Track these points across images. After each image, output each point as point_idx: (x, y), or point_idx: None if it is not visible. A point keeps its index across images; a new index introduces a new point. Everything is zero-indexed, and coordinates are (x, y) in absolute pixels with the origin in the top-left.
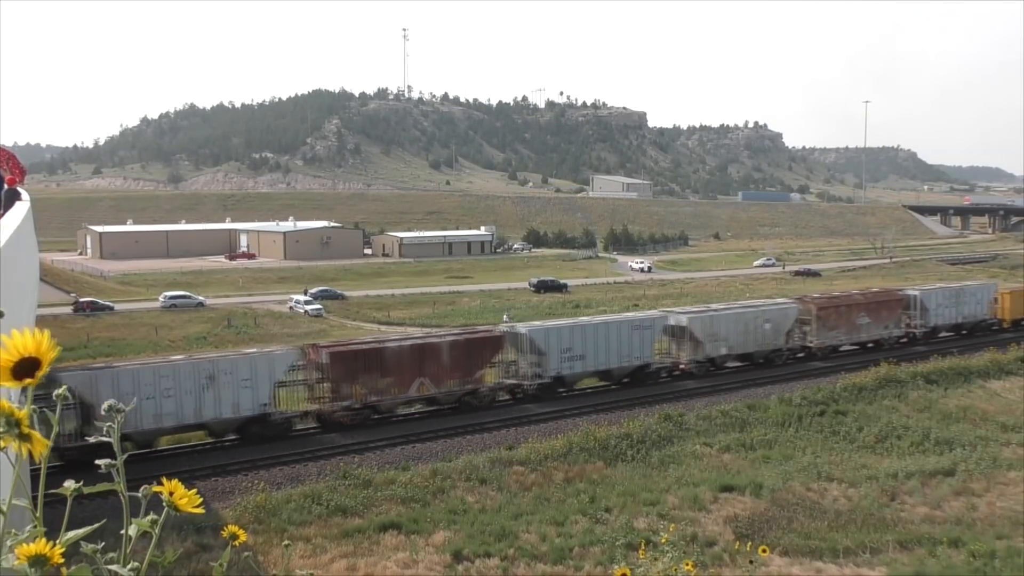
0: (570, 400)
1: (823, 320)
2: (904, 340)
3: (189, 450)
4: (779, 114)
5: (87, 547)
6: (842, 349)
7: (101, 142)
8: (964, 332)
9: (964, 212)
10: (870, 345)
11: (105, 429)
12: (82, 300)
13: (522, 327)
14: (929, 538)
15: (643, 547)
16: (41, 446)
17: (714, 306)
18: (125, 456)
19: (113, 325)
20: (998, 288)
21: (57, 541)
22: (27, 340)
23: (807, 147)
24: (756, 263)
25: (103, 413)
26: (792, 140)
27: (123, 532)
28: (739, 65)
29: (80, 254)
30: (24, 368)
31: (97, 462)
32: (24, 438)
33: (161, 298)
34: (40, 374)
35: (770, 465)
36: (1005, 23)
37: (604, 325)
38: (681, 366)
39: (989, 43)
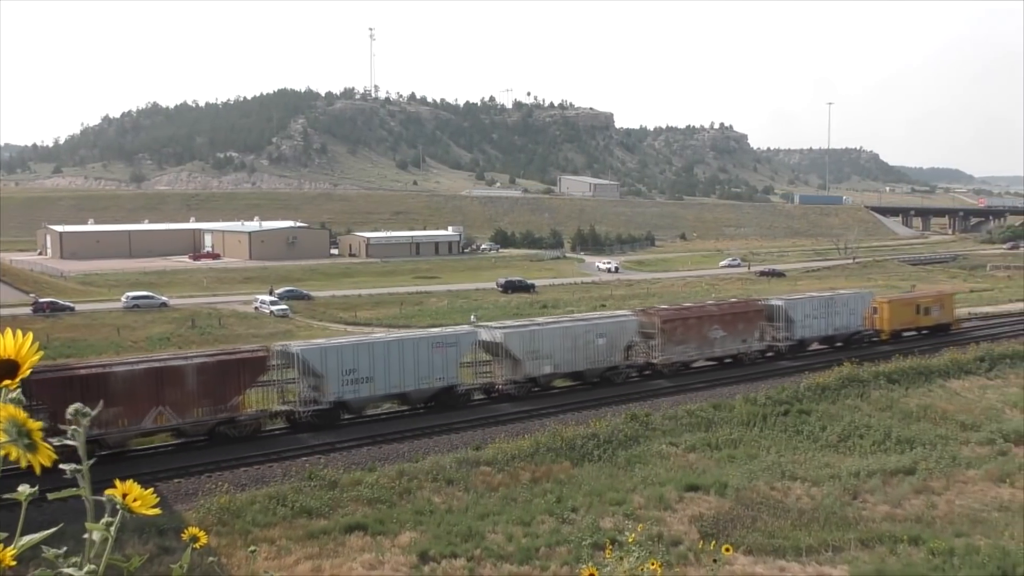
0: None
1: (669, 334)
2: (770, 354)
3: (153, 452)
4: (745, 115)
5: (49, 552)
6: (695, 366)
7: (61, 141)
8: (839, 344)
9: (924, 213)
10: (728, 360)
11: (70, 432)
12: (41, 300)
13: (296, 346)
14: (890, 536)
15: (609, 547)
16: (47, 459)
17: (539, 320)
18: (92, 461)
19: (74, 326)
20: (876, 297)
21: (12, 545)
22: (7, 342)
23: (772, 148)
24: (722, 263)
25: (69, 417)
26: (757, 141)
27: (85, 536)
28: (705, 66)
29: (40, 254)
30: (3, 370)
31: (62, 466)
32: (32, 448)
33: (123, 298)
34: (20, 377)
35: (735, 464)
36: (965, 26)
37: (398, 343)
38: (498, 387)
39: (949, 46)
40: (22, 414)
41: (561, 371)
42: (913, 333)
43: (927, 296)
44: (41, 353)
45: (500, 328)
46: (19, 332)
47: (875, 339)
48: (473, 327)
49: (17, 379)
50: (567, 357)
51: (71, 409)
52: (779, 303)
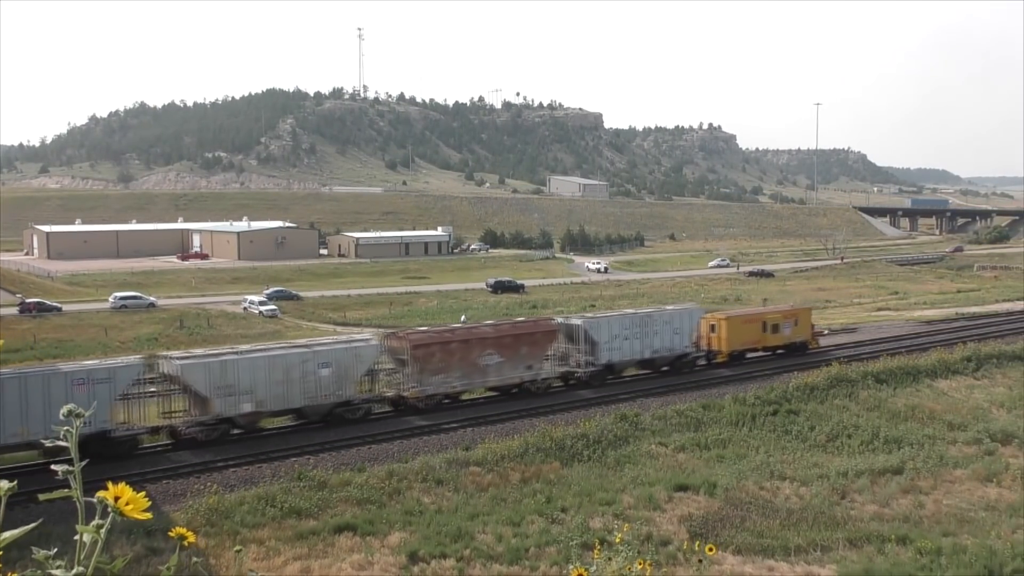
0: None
1: (424, 361)
2: (571, 382)
3: (140, 452)
4: (733, 116)
5: (39, 554)
6: (464, 398)
7: (48, 140)
8: (665, 368)
9: (912, 214)
10: (515, 391)
11: (63, 434)
12: (28, 301)
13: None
14: (878, 536)
15: (598, 547)
16: None
17: (242, 348)
18: (84, 463)
19: (61, 326)
20: (712, 313)
21: None
22: None
23: (760, 149)
24: (711, 264)
25: (62, 418)
26: (746, 142)
27: (75, 537)
28: (694, 67)
29: (26, 254)
30: None
31: (54, 467)
32: None
33: (111, 299)
34: None
35: (724, 464)
36: (951, 27)
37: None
38: (181, 431)
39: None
40: None
41: (268, 409)
42: (760, 354)
43: (776, 311)
44: (1, 342)
45: (186, 359)
46: None
47: (711, 361)
48: (141, 360)
49: None
50: (276, 392)
51: (64, 409)
52: (577, 322)
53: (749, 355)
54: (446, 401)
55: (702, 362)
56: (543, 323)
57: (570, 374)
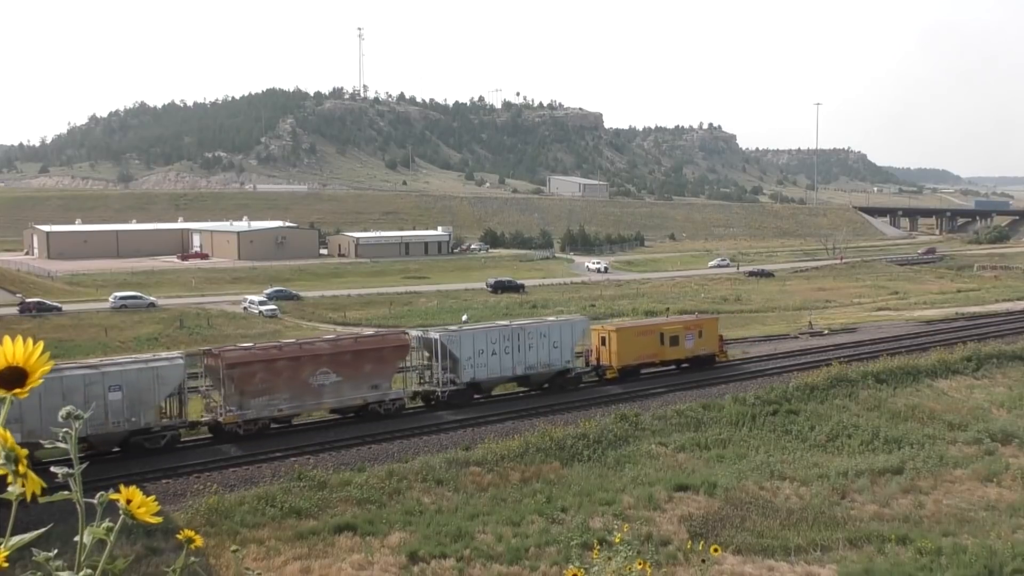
0: None
1: (243, 381)
2: (426, 404)
3: (144, 453)
4: (733, 116)
5: (40, 556)
6: (298, 422)
7: (48, 140)
8: (546, 386)
9: (912, 213)
10: (355, 414)
11: (61, 435)
12: (29, 301)
13: None
14: (878, 536)
15: (598, 547)
16: (35, 486)
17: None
18: (84, 466)
19: (61, 326)
20: (603, 324)
21: (2, 546)
22: (17, 349)
23: (760, 148)
24: (711, 264)
25: (61, 420)
26: (746, 142)
27: (76, 539)
28: (694, 67)
29: (26, 254)
30: (11, 377)
31: (53, 469)
32: (20, 476)
33: (111, 299)
34: (29, 386)
35: (724, 464)
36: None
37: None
38: None
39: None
40: (10, 439)
41: (38, 440)
42: (659, 369)
43: (676, 322)
44: (53, 362)
45: None
46: (28, 340)
47: (597, 376)
48: None
49: (27, 388)
50: (53, 421)
51: (63, 411)
52: (435, 336)
53: (646, 370)
54: (274, 427)
55: (593, 378)
56: (392, 337)
57: (430, 394)
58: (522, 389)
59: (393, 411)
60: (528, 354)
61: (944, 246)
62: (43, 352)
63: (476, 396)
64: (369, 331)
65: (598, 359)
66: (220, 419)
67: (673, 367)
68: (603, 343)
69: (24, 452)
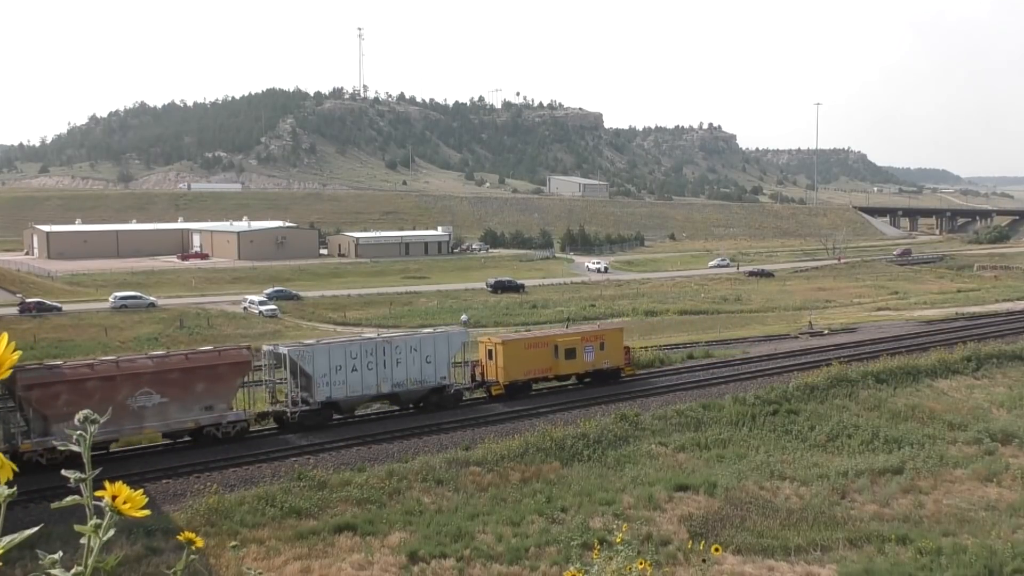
0: None
1: (44, 404)
2: (279, 426)
3: (141, 452)
4: (733, 116)
5: (46, 559)
6: (116, 449)
7: (48, 140)
8: (420, 404)
9: (912, 213)
10: (186, 439)
11: (75, 438)
12: (29, 301)
13: None
14: (878, 536)
15: (598, 547)
16: (6, 472)
17: None
18: (96, 472)
19: (61, 326)
20: (489, 336)
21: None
22: None
23: (760, 148)
24: (711, 264)
25: (77, 423)
26: (746, 142)
27: (81, 540)
28: (694, 67)
29: (26, 254)
30: None
31: (65, 473)
32: None
33: (111, 299)
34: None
35: (724, 464)
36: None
37: None
38: None
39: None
40: None
41: None
42: (555, 384)
43: (574, 333)
44: (19, 353)
45: None
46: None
47: (483, 391)
48: None
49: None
50: None
51: (79, 415)
52: (284, 350)
53: (540, 386)
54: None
55: (479, 394)
56: (229, 352)
57: (281, 415)
58: (395, 408)
59: (233, 435)
60: (396, 370)
61: (944, 246)
62: (9, 344)
63: (337, 416)
64: (206, 347)
65: (483, 374)
66: (20, 448)
67: (577, 381)
68: (490, 356)
69: None
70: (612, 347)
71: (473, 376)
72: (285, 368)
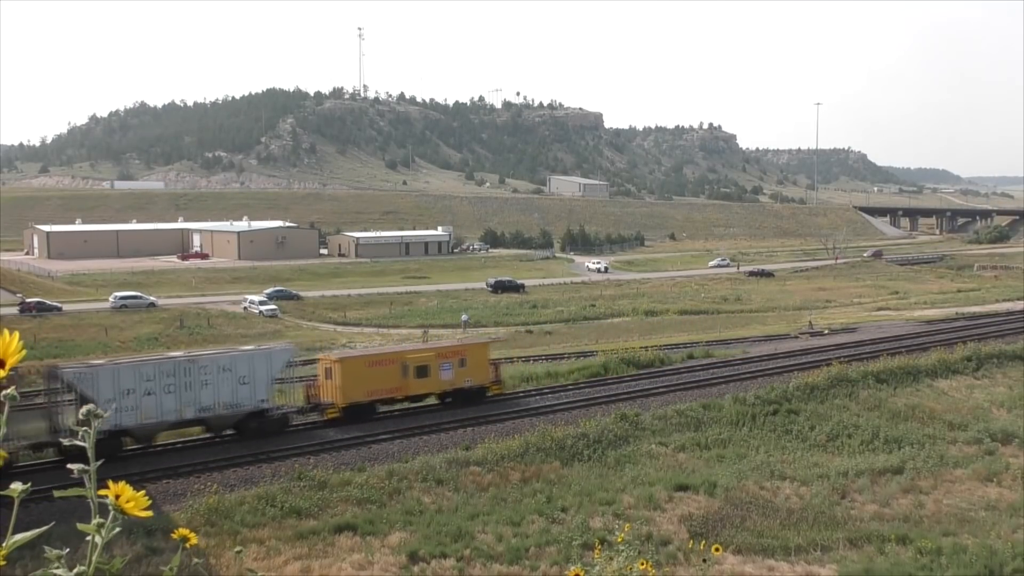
0: None
1: None
2: (62, 458)
3: (141, 452)
4: (733, 116)
5: (51, 553)
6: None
7: (48, 140)
8: (234, 431)
9: (912, 213)
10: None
11: (81, 434)
12: (29, 301)
13: None
14: (878, 536)
15: (599, 547)
16: None
17: None
18: (99, 463)
19: (61, 326)
20: (327, 354)
21: (3, 544)
22: None
23: (760, 148)
24: (711, 264)
25: (81, 418)
26: (746, 141)
27: (87, 538)
28: (694, 66)
29: (27, 254)
30: None
31: (70, 466)
32: None
33: (111, 299)
34: (3, 374)
35: (724, 464)
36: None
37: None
38: None
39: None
40: None
41: None
42: (406, 406)
43: (428, 349)
44: (24, 352)
45: None
46: (5, 331)
47: (316, 414)
48: None
49: (2, 376)
50: None
51: (84, 410)
52: (68, 370)
53: (387, 408)
54: None
55: (313, 417)
56: None
57: (53, 446)
58: (208, 435)
59: None
60: (203, 393)
61: (944, 246)
62: (18, 342)
63: (130, 447)
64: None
65: (320, 395)
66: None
67: (439, 402)
68: (328, 376)
69: None
70: (475, 364)
71: (308, 397)
72: (63, 392)
